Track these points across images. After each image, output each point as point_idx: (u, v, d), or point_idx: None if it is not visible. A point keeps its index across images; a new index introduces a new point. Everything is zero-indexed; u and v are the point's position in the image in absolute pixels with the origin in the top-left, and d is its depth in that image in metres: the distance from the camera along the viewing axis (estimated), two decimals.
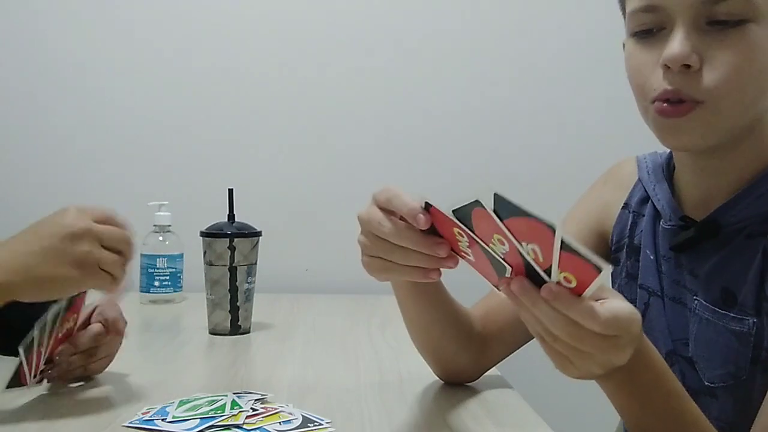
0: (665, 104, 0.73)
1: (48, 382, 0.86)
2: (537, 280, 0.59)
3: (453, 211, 0.61)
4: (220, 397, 0.81)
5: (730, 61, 0.70)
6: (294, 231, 1.72)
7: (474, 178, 1.69)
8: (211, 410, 0.77)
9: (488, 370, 0.95)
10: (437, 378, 0.94)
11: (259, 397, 0.83)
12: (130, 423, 0.75)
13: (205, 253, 1.22)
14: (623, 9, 0.79)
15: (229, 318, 1.21)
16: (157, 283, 1.50)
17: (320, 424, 0.75)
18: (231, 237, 1.20)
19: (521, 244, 0.57)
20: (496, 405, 0.86)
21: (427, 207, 0.64)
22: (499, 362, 0.94)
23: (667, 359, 0.81)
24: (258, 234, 1.23)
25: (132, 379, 0.92)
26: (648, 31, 0.75)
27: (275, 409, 0.79)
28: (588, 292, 0.57)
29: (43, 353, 0.83)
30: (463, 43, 1.74)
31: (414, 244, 0.66)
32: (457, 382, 0.93)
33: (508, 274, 0.62)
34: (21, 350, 0.79)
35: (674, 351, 0.82)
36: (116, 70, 1.72)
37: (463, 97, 1.74)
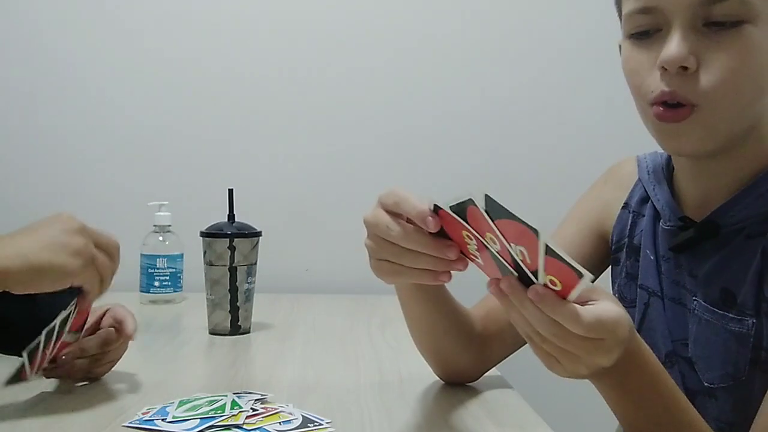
0: (663, 108, 0.73)
1: (47, 378, 0.86)
2: (526, 281, 0.60)
3: (450, 207, 0.62)
4: (220, 397, 0.81)
5: (726, 62, 0.70)
6: (294, 231, 1.72)
7: (474, 179, 1.69)
8: (211, 410, 0.77)
9: (489, 370, 0.95)
10: (437, 378, 0.94)
11: (259, 397, 0.83)
12: (130, 423, 0.75)
13: (205, 253, 1.22)
14: (619, 11, 0.79)
15: (229, 318, 1.21)
16: (157, 283, 1.50)
17: (320, 424, 0.75)
18: (231, 237, 1.20)
19: (511, 245, 0.58)
20: (496, 405, 0.86)
21: (436, 210, 0.64)
22: (499, 362, 0.95)
23: (667, 360, 0.82)
24: (258, 234, 1.23)
25: (132, 379, 0.92)
26: (644, 32, 0.75)
27: (275, 409, 0.79)
28: (572, 296, 0.58)
29: (48, 355, 0.83)
30: (463, 44, 1.74)
31: (423, 246, 0.66)
32: (458, 383, 0.93)
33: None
34: (25, 354, 0.79)
35: (674, 352, 0.82)
36: (116, 71, 1.72)
37: (463, 98, 1.74)
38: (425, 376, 0.94)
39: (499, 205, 0.57)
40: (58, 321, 0.81)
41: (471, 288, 0.86)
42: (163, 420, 0.75)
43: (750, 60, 0.71)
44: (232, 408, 0.78)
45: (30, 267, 0.75)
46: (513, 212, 0.56)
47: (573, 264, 0.55)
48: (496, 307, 0.91)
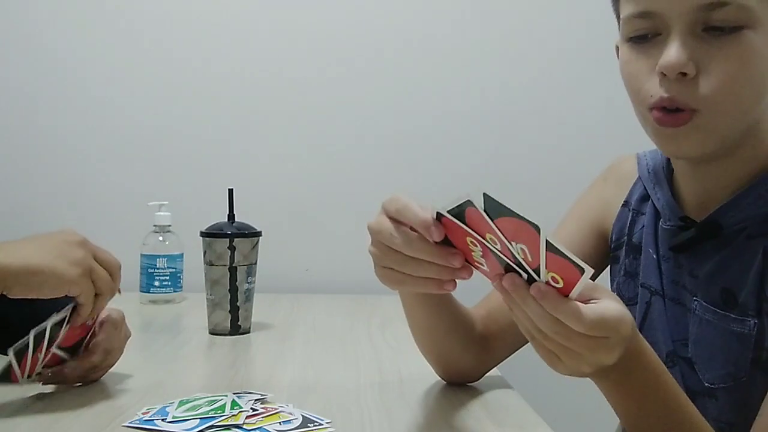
0: (663, 113, 0.72)
1: (43, 384, 0.86)
2: (528, 279, 0.60)
3: (448, 211, 0.61)
4: (220, 397, 0.81)
5: (726, 68, 0.70)
6: (294, 231, 1.72)
7: (474, 178, 1.69)
8: (211, 410, 0.77)
9: (490, 370, 0.95)
10: (437, 378, 0.94)
11: (259, 397, 0.83)
12: (130, 423, 0.75)
13: (205, 253, 1.22)
14: (617, 13, 0.79)
15: (229, 318, 1.21)
16: (157, 283, 1.50)
17: (320, 424, 0.75)
18: (231, 237, 1.20)
19: (511, 244, 0.58)
20: (496, 405, 0.86)
21: (439, 217, 0.64)
22: (501, 362, 0.95)
23: (668, 359, 0.82)
24: (258, 234, 1.23)
25: (132, 379, 0.92)
26: (643, 36, 0.74)
27: (275, 409, 0.79)
28: (573, 293, 0.58)
29: (40, 359, 0.82)
30: (463, 44, 1.74)
31: (427, 255, 0.66)
32: (460, 383, 0.93)
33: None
34: (11, 352, 0.79)
35: (674, 351, 0.82)
36: (116, 71, 1.72)
37: (463, 98, 1.74)
38: (425, 376, 0.94)
39: (498, 203, 0.57)
40: (49, 324, 0.81)
41: (472, 288, 0.86)
42: (163, 420, 0.75)
43: (749, 65, 0.71)
44: (232, 408, 0.78)
45: (29, 268, 0.76)
46: (512, 209, 0.56)
47: (574, 259, 0.55)
48: (496, 307, 0.91)
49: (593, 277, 0.95)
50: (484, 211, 0.58)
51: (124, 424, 0.75)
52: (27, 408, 0.81)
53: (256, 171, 1.73)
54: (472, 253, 0.65)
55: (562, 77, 1.73)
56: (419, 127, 1.74)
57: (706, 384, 0.78)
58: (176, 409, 0.78)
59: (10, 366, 0.80)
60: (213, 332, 1.22)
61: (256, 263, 1.23)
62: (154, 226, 1.51)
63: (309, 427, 0.74)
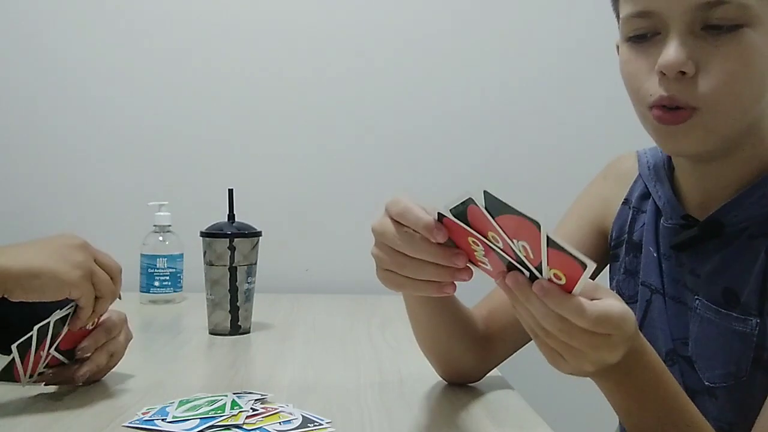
0: (662, 111, 0.72)
1: (45, 385, 0.86)
2: (531, 277, 0.60)
3: (450, 209, 0.61)
4: (220, 397, 0.81)
5: (725, 66, 0.70)
6: (294, 231, 1.72)
7: (474, 178, 1.69)
8: (211, 410, 0.77)
9: (491, 370, 0.95)
10: (437, 378, 0.94)
11: (259, 397, 0.83)
12: (130, 423, 0.75)
13: (205, 253, 1.22)
14: (617, 12, 0.79)
15: (229, 318, 1.21)
16: (157, 283, 1.50)
17: (320, 424, 0.75)
18: (231, 237, 1.20)
19: (512, 241, 0.58)
20: (496, 405, 0.86)
21: (440, 218, 0.64)
22: (502, 362, 0.95)
23: (667, 358, 0.82)
24: (258, 234, 1.23)
25: (132, 379, 0.92)
26: (642, 36, 0.75)
27: (275, 409, 0.79)
28: (577, 288, 0.58)
29: (42, 357, 0.83)
30: (463, 44, 1.74)
31: (430, 256, 0.65)
32: (461, 383, 0.93)
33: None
34: (14, 348, 0.79)
35: (674, 350, 0.82)
36: (116, 71, 1.72)
37: (463, 98, 1.74)
38: (425, 376, 0.94)
39: (499, 200, 0.57)
40: (52, 320, 0.81)
41: (472, 288, 0.86)
42: (163, 420, 0.75)
43: (749, 63, 0.71)
44: (232, 408, 0.77)
45: (29, 270, 0.76)
46: (513, 206, 0.56)
47: (576, 254, 0.55)
48: (497, 307, 0.91)
49: (594, 275, 0.95)
50: (485, 208, 0.58)
51: (124, 424, 0.75)
52: (27, 408, 0.81)
53: (256, 171, 1.73)
54: (475, 253, 0.65)
55: (562, 77, 1.73)
56: (419, 127, 1.74)
57: (706, 383, 0.78)
58: (176, 409, 0.78)
59: (12, 363, 0.80)
60: (213, 332, 1.22)
61: (256, 263, 1.23)
62: (154, 226, 1.51)
63: (309, 427, 0.74)
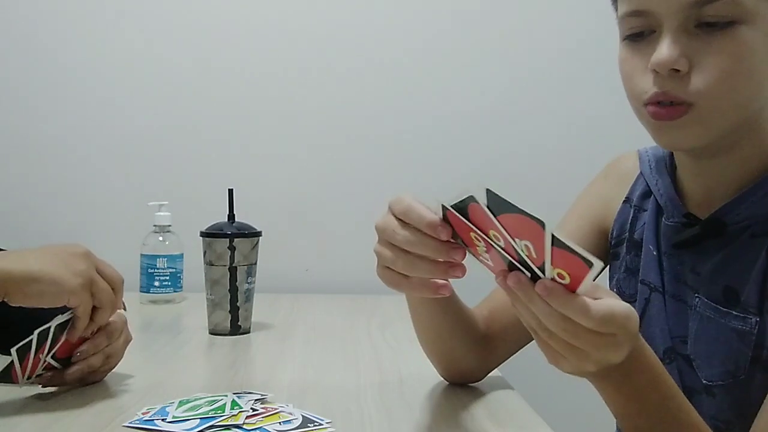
0: (658, 107, 0.73)
1: (43, 386, 0.86)
2: (534, 276, 0.59)
3: (451, 206, 0.61)
4: (220, 397, 0.81)
5: (718, 63, 0.70)
6: (294, 231, 1.72)
7: (474, 179, 1.69)
8: (211, 410, 0.77)
9: (493, 369, 0.95)
10: (438, 378, 0.94)
11: (259, 397, 0.83)
12: (130, 423, 0.75)
13: (205, 253, 1.22)
14: (616, 12, 0.80)
15: (229, 318, 1.21)
16: (157, 283, 1.50)
17: (320, 424, 0.75)
18: (231, 237, 1.20)
19: (515, 240, 0.57)
20: (496, 405, 0.86)
21: (444, 211, 0.63)
22: (503, 362, 0.94)
23: (665, 356, 0.82)
24: (258, 234, 1.23)
25: (132, 379, 0.92)
26: (639, 34, 0.75)
27: (275, 409, 0.79)
28: (581, 288, 0.57)
29: (41, 359, 0.82)
30: (463, 44, 1.74)
31: (430, 251, 0.65)
32: (462, 383, 0.93)
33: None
34: (14, 351, 0.79)
35: (672, 348, 0.82)
36: (116, 71, 1.72)
37: (463, 98, 1.74)
38: (425, 376, 0.94)
39: (502, 198, 0.56)
40: (53, 324, 0.81)
41: (473, 288, 0.86)
42: (163, 420, 0.75)
43: (743, 59, 0.71)
44: (232, 408, 0.77)
45: (30, 274, 0.77)
46: (516, 205, 0.55)
47: (581, 253, 0.54)
48: (499, 306, 0.91)
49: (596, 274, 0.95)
50: (487, 207, 0.57)
51: (124, 424, 0.75)
52: (27, 408, 0.81)
53: (256, 171, 1.73)
54: (477, 248, 0.64)
55: (562, 77, 1.73)
56: (419, 127, 1.74)
57: (705, 381, 0.78)
58: (176, 409, 0.78)
59: (11, 365, 0.80)
60: (213, 332, 1.22)
61: (256, 263, 1.23)
62: (154, 226, 1.51)
63: (309, 427, 0.74)
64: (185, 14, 1.72)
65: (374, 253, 0.71)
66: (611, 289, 0.94)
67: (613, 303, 0.60)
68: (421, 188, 1.68)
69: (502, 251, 0.60)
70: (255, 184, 1.69)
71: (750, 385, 0.74)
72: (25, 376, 0.82)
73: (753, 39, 0.70)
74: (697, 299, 0.80)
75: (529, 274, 0.60)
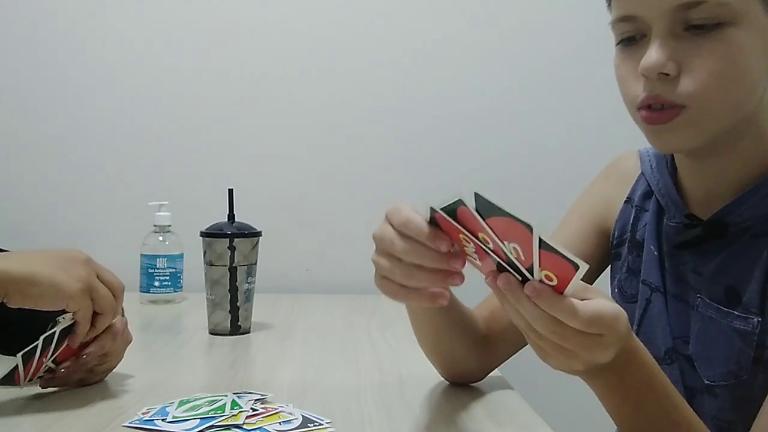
0: (649, 111, 0.73)
1: (42, 387, 0.86)
2: (522, 278, 0.60)
3: (441, 209, 0.61)
4: (220, 397, 0.81)
5: (707, 65, 0.71)
6: (294, 231, 1.72)
7: (474, 179, 1.69)
8: (211, 410, 0.77)
9: (493, 370, 0.95)
10: (438, 378, 0.94)
11: (259, 397, 0.83)
12: (130, 423, 0.75)
13: (205, 253, 1.22)
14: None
15: (229, 318, 1.21)
16: (157, 283, 1.50)
17: (320, 424, 0.75)
18: (231, 237, 1.20)
19: (503, 243, 0.58)
20: (496, 405, 0.86)
21: (433, 213, 0.64)
22: (504, 362, 0.95)
23: (667, 356, 0.82)
24: (258, 234, 1.23)
25: (132, 379, 0.92)
26: (631, 39, 0.76)
27: (275, 409, 0.79)
28: (568, 289, 0.58)
29: (44, 363, 0.83)
30: (464, 44, 1.74)
31: (428, 260, 0.65)
32: (463, 383, 0.93)
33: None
34: (19, 357, 0.79)
35: (674, 348, 0.82)
36: (116, 71, 1.72)
37: (464, 98, 1.74)
38: (425, 376, 0.94)
39: (490, 202, 0.56)
40: (58, 329, 0.81)
41: (473, 288, 0.86)
42: (163, 420, 0.75)
43: (732, 60, 0.71)
44: (232, 408, 0.77)
45: (29, 276, 0.77)
46: (504, 208, 0.56)
47: (568, 256, 0.55)
48: (498, 307, 0.91)
49: (596, 275, 0.95)
50: (476, 210, 0.58)
51: (124, 424, 0.74)
52: (27, 408, 0.81)
53: (256, 171, 1.73)
54: (466, 249, 0.65)
55: (562, 77, 1.73)
56: (419, 127, 1.74)
57: (706, 381, 0.78)
58: (176, 409, 0.78)
59: (14, 370, 0.80)
60: (213, 332, 1.22)
61: (256, 263, 1.23)
62: (154, 226, 1.51)
63: (309, 427, 0.74)
64: (185, 14, 1.72)
65: (372, 262, 0.71)
66: (613, 289, 0.94)
67: (600, 304, 0.61)
68: (420, 188, 1.69)
69: (491, 253, 0.61)
70: (255, 184, 1.69)
71: (752, 385, 0.74)
72: (27, 379, 0.82)
73: (743, 40, 0.70)
74: (698, 299, 0.80)
75: (519, 277, 0.60)
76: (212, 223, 1.23)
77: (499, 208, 0.56)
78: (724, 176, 0.78)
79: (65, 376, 0.86)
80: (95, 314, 0.83)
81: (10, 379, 0.81)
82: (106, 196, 1.72)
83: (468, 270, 0.66)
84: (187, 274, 1.51)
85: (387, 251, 0.68)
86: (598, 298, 0.62)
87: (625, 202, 0.93)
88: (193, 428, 0.73)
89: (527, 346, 0.91)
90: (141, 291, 1.50)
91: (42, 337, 0.80)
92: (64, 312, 0.82)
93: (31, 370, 0.82)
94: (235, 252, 1.20)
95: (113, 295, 0.84)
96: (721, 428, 0.76)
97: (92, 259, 0.84)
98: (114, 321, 0.88)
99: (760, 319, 0.73)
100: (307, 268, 1.74)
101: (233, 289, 1.20)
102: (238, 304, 1.21)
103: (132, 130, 1.73)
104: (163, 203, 1.52)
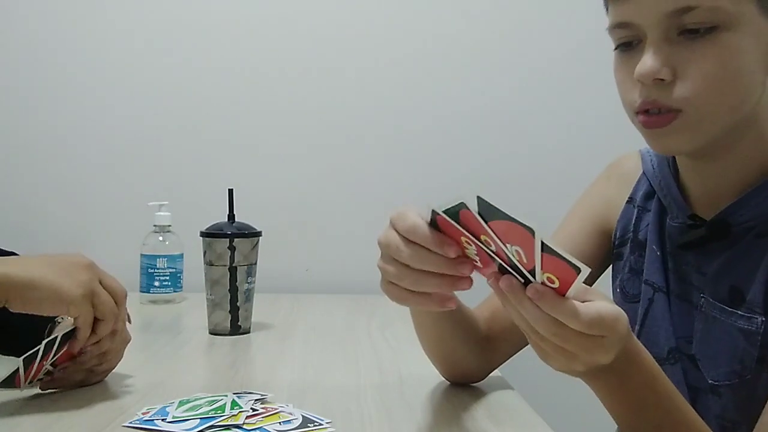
0: (647, 116, 0.74)
1: (42, 390, 0.86)
2: (524, 281, 0.60)
3: (443, 211, 0.62)
4: (220, 397, 0.81)
5: (702, 69, 0.71)
6: (294, 231, 1.72)
7: (474, 179, 1.69)
8: (211, 410, 0.77)
9: (494, 370, 0.95)
10: (438, 378, 0.94)
11: (259, 397, 0.83)
12: (130, 423, 0.75)
13: (205, 253, 1.22)
14: None
15: (229, 318, 1.21)
16: (157, 283, 1.50)
17: (320, 424, 0.75)
18: (231, 237, 1.20)
19: (506, 246, 0.58)
20: (496, 405, 0.86)
21: (434, 215, 0.64)
22: (504, 362, 0.95)
23: (670, 356, 0.82)
24: (258, 234, 1.23)
25: (132, 379, 0.92)
26: (628, 44, 0.76)
27: (275, 409, 0.79)
28: (570, 292, 0.58)
29: (45, 365, 0.83)
30: (464, 45, 1.74)
31: (436, 266, 0.65)
32: (464, 383, 0.93)
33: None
34: (21, 361, 0.79)
35: (677, 348, 0.82)
36: (116, 71, 1.72)
37: (464, 98, 1.74)
38: (425, 376, 0.94)
39: (492, 206, 0.57)
40: (60, 334, 0.81)
41: (473, 289, 0.86)
42: (163, 420, 0.75)
43: (727, 63, 0.71)
44: (232, 408, 0.77)
45: (30, 281, 0.76)
46: (507, 212, 0.56)
47: (570, 259, 0.55)
48: (500, 307, 0.91)
49: (596, 275, 0.95)
50: (478, 213, 0.58)
51: (124, 424, 0.74)
52: (27, 408, 0.81)
53: (256, 171, 1.73)
54: (466, 251, 0.65)
55: (563, 77, 1.73)
56: (419, 127, 1.74)
57: (710, 381, 0.78)
58: (176, 409, 0.78)
59: (15, 373, 0.80)
60: (213, 332, 1.22)
61: (256, 263, 1.23)
62: (154, 226, 1.51)
63: (309, 427, 0.74)
64: (185, 14, 1.72)
65: (378, 268, 0.70)
66: (614, 289, 0.94)
67: (601, 306, 0.61)
68: (420, 188, 1.69)
69: (494, 255, 0.61)
70: (255, 184, 1.69)
71: (756, 385, 0.74)
72: (27, 381, 0.82)
73: (737, 42, 0.71)
74: (702, 299, 0.80)
75: (521, 279, 0.61)
76: (212, 223, 1.23)
77: (501, 211, 0.56)
78: (725, 176, 0.79)
79: (65, 377, 0.86)
80: (96, 320, 0.83)
81: (11, 381, 0.81)
82: (106, 196, 1.72)
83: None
84: (187, 274, 1.51)
85: (393, 257, 0.68)
86: (599, 300, 0.62)
87: (627, 202, 0.93)
88: (193, 428, 0.73)
89: (527, 346, 0.91)
90: (141, 291, 1.50)
91: (44, 342, 0.80)
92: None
93: (32, 373, 0.82)
94: (235, 252, 1.20)
95: (115, 301, 0.84)
96: (725, 428, 0.76)
97: (95, 264, 0.83)
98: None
99: (764, 319, 0.74)
100: (307, 268, 1.74)
101: (233, 289, 1.20)
102: (238, 304, 1.21)
103: (132, 130, 1.73)
104: (163, 203, 1.52)
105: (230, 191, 1.24)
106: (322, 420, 0.76)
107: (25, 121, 1.72)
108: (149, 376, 0.94)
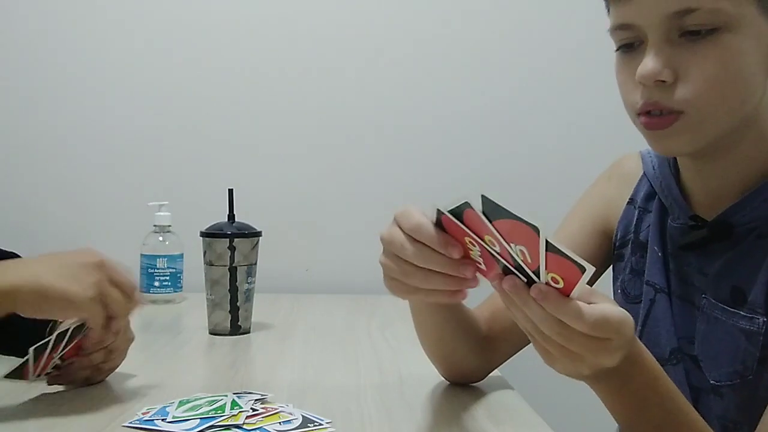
0: (648, 117, 0.74)
1: (49, 384, 0.86)
2: (528, 281, 0.60)
3: (448, 211, 0.61)
4: (220, 397, 0.81)
5: (703, 70, 0.71)
6: (294, 231, 1.72)
7: (475, 179, 1.69)
8: (211, 410, 0.77)
9: (494, 370, 0.95)
10: (438, 378, 0.94)
11: (259, 397, 0.83)
12: (130, 423, 0.75)
13: (205, 253, 1.21)
14: None
15: (229, 318, 1.21)
16: (157, 283, 1.50)
17: (320, 424, 0.75)
18: (231, 237, 1.20)
19: (510, 245, 0.58)
20: (496, 405, 0.86)
21: (439, 215, 0.64)
22: (504, 362, 0.95)
23: (672, 357, 0.82)
24: (258, 234, 1.23)
25: (132, 379, 0.92)
26: (629, 45, 0.76)
27: (275, 409, 0.79)
28: (575, 292, 0.58)
29: (54, 358, 0.83)
30: (464, 45, 1.73)
31: (439, 266, 0.66)
32: (464, 383, 0.93)
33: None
34: (31, 351, 0.79)
35: (679, 349, 0.82)
36: (116, 71, 1.72)
37: (464, 98, 1.74)
38: (425, 376, 0.94)
39: (497, 204, 0.57)
40: (71, 327, 0.81)
41: (473, 289, 0.86)
42: (163, 420, 0.75)
43: (728, 65, 0.71)
44: (232, 408, 0.77)
45: (39, 288, 0.76)
46: (511, 211, 0.56)
47: (575, 258, 0.55)
48: (500, 308, 0.91)
49: (596, 276, 0.95)
50: (483, 213, 0.58)
51: (124, 424, 0.74)
52: (28, 408, 0.81)
53: (256, 171, 1.73)
54: (471, 252, 0.65)
55: (563, 77, 1.73)
56: (419, 127, 1.74)
57: (712, 382, 0.78)
58: (176, 409, 0.78)
59: (25, 363, 0.80)
60: (213, 332, 1.22)
61: (256, 263, 1.23)
62: (154, 226, 1.51)
63: (309, 427, 0.74)
64: (185, 14, 1.72)
65: (380, 264, 0.70)
66: (615, 290, 0.94)
67: (607, 308, 0.61)
68: (421, 188, 1.69)
69: (498, 255, 0.61)
70: (255, 184, 1.69)
71: (758, 386, 0.74)
72: (36, 374, 0.82)
73: (738, 44, 0.71)
74: (704, 300, 0.80)
75: (524, 279, 0.60)
76: (212, 223, 1.23)
77: (506, 210, 0.56)
78: (727, 177, 0.79)
79: (71, 373, 0.86)
80: (109, 317, 0.82)
81: (20, 372, 0.81)
82: (106, 196, 1.72)
83: None
84: (187, 274, 1.51)
85: (396, 254, 0.68)
86: (604, 302, 0.62)
87: (628, 203, 0.93)
88: (193, 428, 0.73)
89: (527, 346, 0.91)
90: (141, 291, 1.50)
91: (55, 333, 0.80)
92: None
93: (41, 365, 0.82)
94: (235, 252, 1.20)
95: (127, 295, 0.83)
96: (727, 428, 0.76)
97: (105, 260, 0.82)
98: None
99: (765, 319, 0.73)
100: (307, 268, 1.73)
101: (233, 289, 1.20)
102: (238, 304, 1.21)
103: (132, 130, 1.73)
104: (163, 203, 1.52)
105: (230, 191, 1.24)
106: (322, 420, 0.76)
107: (25, 121, 1.72)
108: (149, 376, 0.94)
